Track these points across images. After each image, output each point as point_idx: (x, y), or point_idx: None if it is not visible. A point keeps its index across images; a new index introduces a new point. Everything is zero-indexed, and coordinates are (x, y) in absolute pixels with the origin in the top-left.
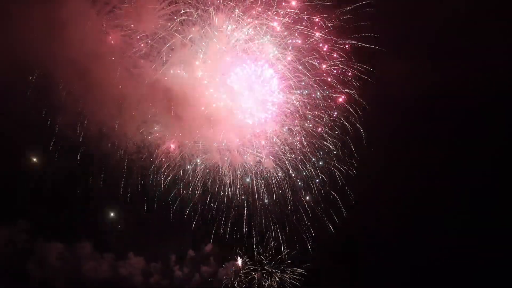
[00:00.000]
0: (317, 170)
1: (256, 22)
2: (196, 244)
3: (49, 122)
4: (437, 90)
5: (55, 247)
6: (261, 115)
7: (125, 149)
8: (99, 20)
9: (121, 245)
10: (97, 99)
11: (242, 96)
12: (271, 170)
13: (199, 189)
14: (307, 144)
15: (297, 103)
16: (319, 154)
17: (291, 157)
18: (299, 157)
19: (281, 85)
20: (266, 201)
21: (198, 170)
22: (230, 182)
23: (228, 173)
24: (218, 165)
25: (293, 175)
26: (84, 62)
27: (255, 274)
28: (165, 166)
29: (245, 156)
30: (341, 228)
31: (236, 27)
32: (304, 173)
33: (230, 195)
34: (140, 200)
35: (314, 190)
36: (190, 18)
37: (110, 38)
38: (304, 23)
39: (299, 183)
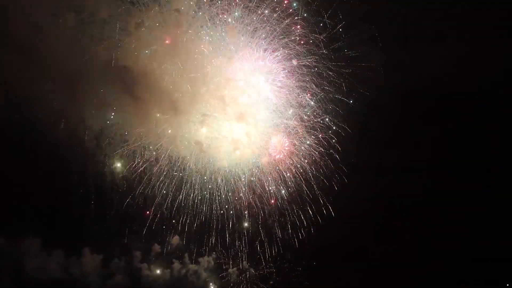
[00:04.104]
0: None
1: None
2: (162, 238)
3: None
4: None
5: None
6: None
7: (82, 136)
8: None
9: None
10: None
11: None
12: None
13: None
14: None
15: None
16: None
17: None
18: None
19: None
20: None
21: (161, 159)
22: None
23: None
24: (184, 157)
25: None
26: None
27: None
28: (126, 155)
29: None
30: None
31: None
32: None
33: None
34: (97, 190)
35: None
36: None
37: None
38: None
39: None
